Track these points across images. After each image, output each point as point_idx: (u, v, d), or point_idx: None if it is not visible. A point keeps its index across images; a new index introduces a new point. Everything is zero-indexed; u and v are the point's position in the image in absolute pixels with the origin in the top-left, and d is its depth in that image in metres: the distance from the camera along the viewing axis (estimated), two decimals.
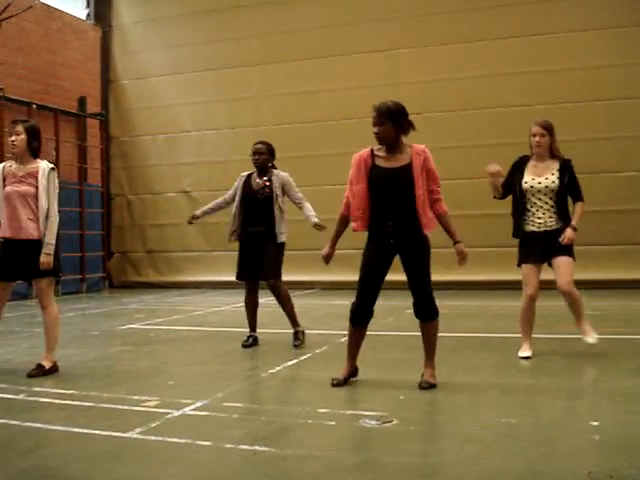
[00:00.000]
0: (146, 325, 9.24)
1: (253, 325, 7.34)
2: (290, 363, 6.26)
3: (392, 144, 5.15)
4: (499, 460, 3.52)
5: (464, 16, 13.85)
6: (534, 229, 6.20)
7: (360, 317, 5.25)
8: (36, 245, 5.86)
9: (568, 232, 6.03)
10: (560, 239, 6.03)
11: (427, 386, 5.11)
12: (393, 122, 5.10)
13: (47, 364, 5.91)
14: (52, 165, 6.11)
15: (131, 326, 9.15)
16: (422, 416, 4.38)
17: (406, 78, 14.00)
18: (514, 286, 11.48)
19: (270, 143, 7.37)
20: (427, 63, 14.00)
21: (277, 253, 7.17)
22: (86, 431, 4.14)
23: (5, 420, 4.43)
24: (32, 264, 5.84)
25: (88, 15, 16.55)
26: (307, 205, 7.26)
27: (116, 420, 4.42)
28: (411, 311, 5.36)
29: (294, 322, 7.22)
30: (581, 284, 12.31)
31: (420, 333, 5.30)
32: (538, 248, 6.16)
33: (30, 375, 5.73)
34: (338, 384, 5.23)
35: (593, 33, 13.11)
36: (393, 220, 5.10)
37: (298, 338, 7.16)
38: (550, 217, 6.14)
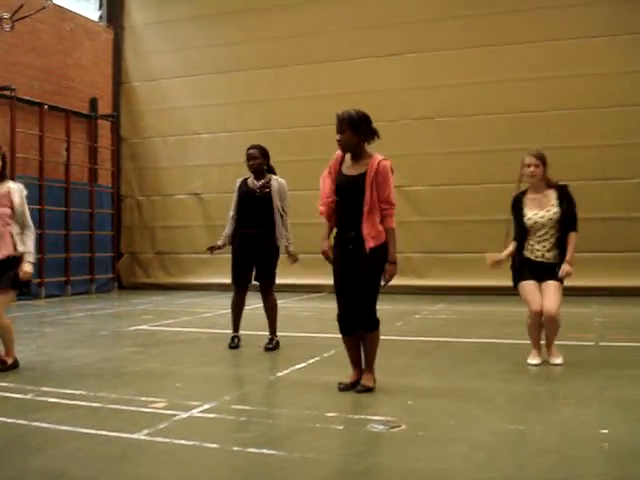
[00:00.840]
0: (155, 326, 9.25)
1: (238, 326, 7.43)
2: (298, 367, 6.25)
3: (354, 152, 5.21)
4: (508, 467, 3.51)
5: (478, 21, 13.81)
6: (531, 257, 6.23)
7: (345, 326, 5.29)
8: (10, 260, 6.02)
9: (566, 268, 6.06)
10: (559, 275, 6.07)
11: (363, 389, 5.16)
12: (353, 130, 5.13)
13: (9, 359, 6.11)
14: (21, 185, 6.24)
15: (140, 327, 9.16)
16: (430, 422, 4.37)
17: (419, 82, 14.01)
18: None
19: (263, 146, 7.34)
20: (441, 68, 13.96)
21: (275, 258, 7.23)
22: (94, 432, 4.14)
23: (14, 419, 4.44)
24: (2, 275, 6.00)
25: (100, 17, 16.61)
26: (287, 222, 7.23)
27: (124, 421, 4.43)
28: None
29: (274, 329, 7.31)
30: (590, 291, 12.32)
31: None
32: (533, 271, 6.20)
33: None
34: (345, 388, 5.24)
35: (604, 40, 13.05)
36: (352, 226, 5.14)
37: (271, 343, 7.25)
38: (549, 250, 6.16)
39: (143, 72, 16.52)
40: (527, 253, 6.25)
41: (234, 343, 7.33)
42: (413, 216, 13.76)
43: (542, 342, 6.29)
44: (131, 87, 16.70)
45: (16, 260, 6.04)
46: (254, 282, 7.30)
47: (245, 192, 7.23)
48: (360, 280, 5.14)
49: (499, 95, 13.52)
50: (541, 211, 6.16)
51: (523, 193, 6.32)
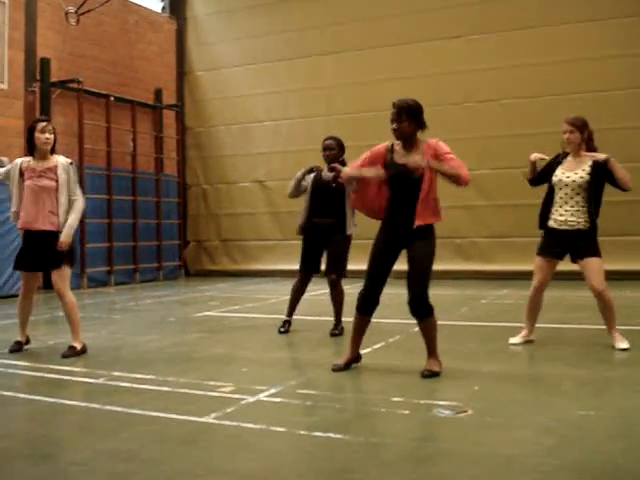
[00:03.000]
0: (221, 312, 9.37)
1: (293, 311, 7.49)
2: (363, 352, 6.23)
3: (409, 140, 5.19)
4: (577, 453, 3.45)
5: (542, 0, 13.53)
6: (555, 226, 6.16)
7: (366, 305, 5.36)
8: (54, 237, 6.12)
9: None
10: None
11: (429, 374, 5.14)
12: (411, 119, 5.13)
13: (78, 345, 6.22)
14: (70, 160, 6.34)
15: (207, 313, 9.29)
16: (497, 407, 4.32)
17: (481, 65, 13.78)
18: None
19: (339, 138, 7.35)
20: (504, 49, 13.68)
21: (346, 248, 7.23)
22: (163, 415, 4.23)
23: (86, 403, 4.56)
24: (49, 256, 6.11)
25: (163, 8, 16.83)
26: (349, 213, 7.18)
27: (192, 405, 4.50)
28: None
29: (340, 319, 7.31)
30: (616, 275, 11.93)
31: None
32: (556, 245, 6.13)
33: (64, 356, 6.06)
34: (338, 369, 5.37)
35: (629, 20, 12.65)
36: (404, 214, 5.12)
37: (336, 329, 7.26)
38: (572, 215, 6.05)
39: (206, 62, 16.67)
40: (551, 222, 6.19)
41: (284, 328, 7.40)
42: (478, 200, 13.58)
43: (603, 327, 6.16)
44: (195, 77, 16.88)
45: (57, 237, 6.14)
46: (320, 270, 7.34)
47: (318, 185, 7.25)
48: (417, 268, 5.14)
49: (565, 76, 13.19)
50: (568, 172, 6.09)
51: (565, 155, 6.26)
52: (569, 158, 6.21)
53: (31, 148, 6.28)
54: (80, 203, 6.25)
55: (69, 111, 13.50)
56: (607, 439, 3.68)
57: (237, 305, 10.24)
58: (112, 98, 14.34)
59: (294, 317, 7.55)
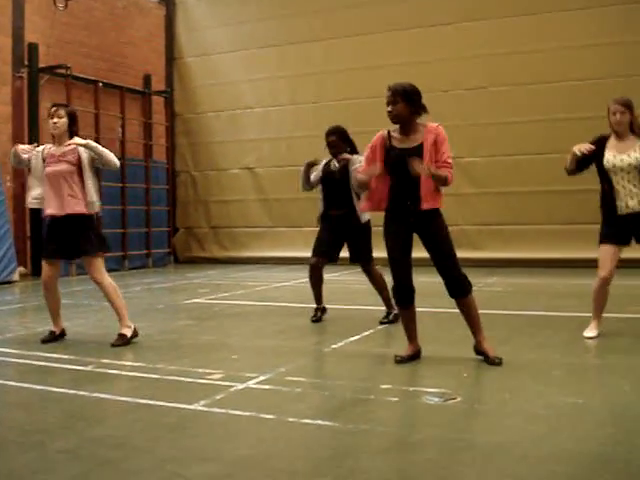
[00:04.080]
0: (210, 300, 9.36)
1: (320, 298, 7.36)
2: (353, 339, 6.27)
3: (405, 124, 5.14)
4: (566, 440, 3.46)
5: None
6: (618, 212, 5.95)
7: (403, 296, 5.25)
8: (79, 221, 6.06)
9: None
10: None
11: (499, 362, 5.07)
12: (406, 102, 5.07)
13: (127, 332, 6.16)
14: (86, 140, 6.23)
15: (196, 300, 9.28)
16: (486, 394, 4.34)
17: (471, 52, 13.75)
18: (579, 264, 11.30)
19: (340, 129, 7.23)
20: (494, 36, 13.63)
21: (366, 235, 7.13)
22: (152, 402, 4.22)
23: (74, 391, 4.54)
24: (77, 242, 6.06)
25: None
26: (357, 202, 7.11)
27: (181, 392, 4.50)
28: (475, 288, 5.30)
29: (387, 303, 7.12)
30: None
31: (459, 309, 5.23)
32: (620, 230, 5.96)
33: (114, 345, 6.00)
34: (401, 361, 5.21)
35: (620, 8, 12.67)
36: (411, 200, 5.08)
37: (387, 317, 7.10)
38: (632, 198, 5.89)
39: (195, 48, 16.59)
40: (612, 209, 5.98)
41: (316, 317, 7.29)
42: (468, 188, 13.59)
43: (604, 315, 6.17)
44: (184, 63, 16.79)
45: (88, 219, 6.10)
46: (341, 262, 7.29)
47: (326, 175, 7.21)
48: (441, 249, 5.11)
49: (555, 63, 13.17)
50: (620, 155, 5.94)
51: (607, 137, 6.09)
52: (613, 141, 6.03)
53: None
54: (113, 158, 6.13)
55: (57, 97, 13.36)
56: (596, 426, 3.70)
57: (226, 292, 10.23)
58: (101, 84, 14.26)
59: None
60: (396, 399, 4.24)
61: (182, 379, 4.82)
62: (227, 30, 16.12)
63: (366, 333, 6.54)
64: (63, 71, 13.40)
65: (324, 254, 7.24)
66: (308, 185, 7.34)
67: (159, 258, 15.90)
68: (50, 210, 6.11)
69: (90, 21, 14.38)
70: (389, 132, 5.24)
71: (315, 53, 15.23)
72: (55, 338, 6.28)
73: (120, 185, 14.67)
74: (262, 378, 4.79)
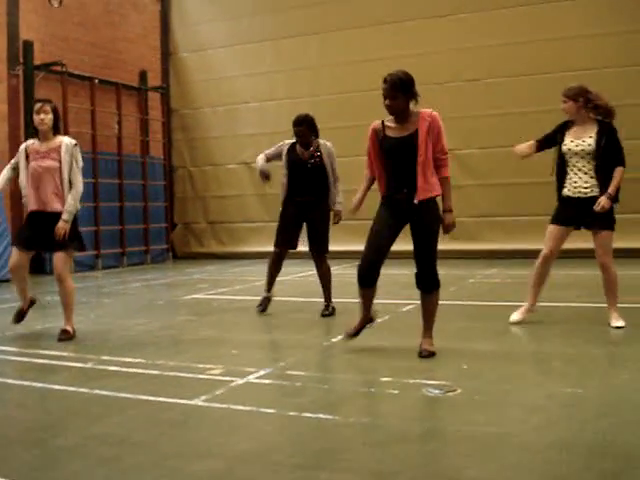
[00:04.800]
0: (209, 295, 9.36)
1: (272, 286, 7.50)
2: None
3: (402, 114, 5.17)
4: (565, 430, 3.48)
5: None
6: (569, 194, 6.14)
7: (366, 276, 5.31)
8: (57, 219, 6.09)
9: (602, 200, 5.89)
10: (594, 207, 5.91)
11: (427, 354, 5.12)
12: (405, 93, 5.09)
13: (70, 329, 6.22)
14: (74, 141, 6.33)
15: (195, 296, 9.28)
16: (486, 385, 4.34)
17: (467, 44, 13.72)
18: (577, 255, 11.30)
19: (309, 117, 7.22)
20: (489, 28, 13.59)
21: (327, 224, 7.26)
22: (153, 398, 4.23)
23: (75, 388, 4.54)
24: (53, 237, 6.08)
25: None
26: (338, 186, 7.23)
27: (182, 388, 4.50)
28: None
29: (330, 296, 7.30)
30: (631, 253, 11.86)
31: (421, 302, 5.26)
32: (570, 213, 6.12)
33: (60, 340, 6.07)
34: (350, 336, 5.47)
35: None
36: (406, 187, 5.10)
37: (327, 310, 7.26)
38: (586, 182, 6.04)
39: (191, 43, 16.55)
40: (565, 191, 6.18)
41: (263, 306, 7.41)
42: (465, 180, 13.57)
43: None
44: (180, 58, 16.75)
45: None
46: (302, 249, 7.34)
47: (295, 162, 7.22)
48: (425, 241, 5.13)
49: (551, 54, 13.13)
50: (576, 140, 6.09)
51: (571, 123, 6.23)
52: (574, 127, 6.18)
53: (35, 130, 6.27)
54: (78, 188, 6.18)
55: (53, 94, 13.31)
56: (595, 416, 3.71)
57: (225, 287, 10.24)
58: (96, 81, 14.22)
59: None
60: (396, 392, 4.25)
61: (182, 375, 4.82)
62: (222, 25, 16.08)
63: (366, 326, 6.53)
64: (58, 68, 13.36)
65: (288, 243, 7.35)
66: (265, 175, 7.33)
67: (157, 254, 15.89)
68: (33, 207, 6.18)
69: (85, 18, 14.35)
70: (383, 122, 5.26)
71: (311, 47, 15.19)
72: (25, 313, 6.48)
73: (117, 182, 14.66)
74: (262, 372, 4.80)
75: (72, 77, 13.66)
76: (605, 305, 6.23)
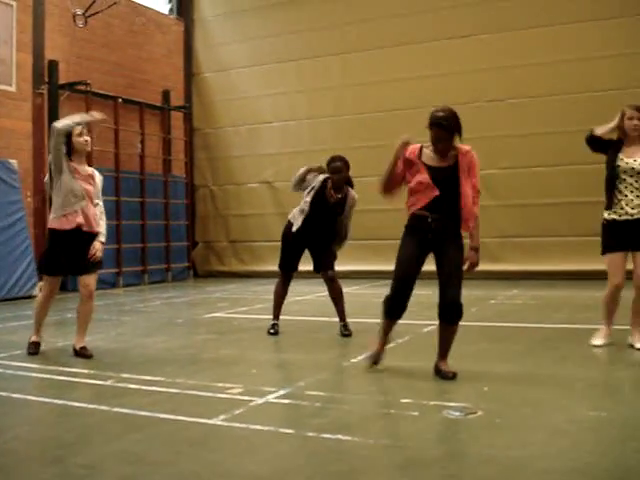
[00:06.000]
0: (230, 314, 9.37)
1: (278, 313, 7.53)
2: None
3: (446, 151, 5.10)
4: (588, 454, 3.42)
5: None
6: (615, 217, 6.00)
7: (395, 310, 5.25)
8: (93, 239, 6.21)
9: None
10: None
11: (452, 375, 5.07)
12: (454, 134, 5.04)
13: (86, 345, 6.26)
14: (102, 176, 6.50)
15: (215, 315, 9.28)
16: (507, 408, 4.29)
17: (490, 64, 13.73)
18: (601, 276, 11.20)
19: (345, 158, 7.22)
20: (513, 48, 13.60)
21: (333, 246, 7.30)
22: (172, 417, 4.22)
23: (94, 405, 4.55)
24: (86, 258, 6.14)
25: (171, 10, 16.84)
26: (343, 237, 7.28)
27: (201, 407, 4.49)
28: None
29: (344, 314, 7.30)
30: None
31: (440, 330, 5.21)
32: (621, 236, 5.98)
33: (87, 356, 6.12)
34: (372, 364, 5.42)
35: (636, 19, 12.62)
36: (434, 217, 5.04)
37: (347, 329, 7.25)
38: (634, 202, 5.91)
39: (214, 63, 16.69)
40: (612, 214, 6.03)
41: (274, 330, 7.41)
42: (488, 200, 13.42)
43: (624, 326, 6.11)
44: (202, 78, 16.89)
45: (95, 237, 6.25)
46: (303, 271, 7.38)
47: (320, 199, 7.17)
48: (452, 272, 5.06)
49: (573, 74, 13.11)
50: (629, 158, 5.96)
51: (620, 141, 6.10)
52: (626, 146, 6.05)
53: (69, 151, 6.12)
54: (104, 213, 6.38)
55: (77, 113, 13.50)
56: (619, 440, 3.65)
57: (245, 306, 10.24)
58: (120, 100, 14.37)
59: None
60: (416, 413, 4.21)
61: (202, 393, 4.81)
62: (245, 45, 16.21)
63: (386, 347, 6.49)
64: (83, 87, 13.51)
65: (294, 269, 7.48)
66: (299, 188, 7.34)
67: (178, 272, 15.95)
68: (73, 224, 6.10)
69: (109, 38, 14.52)
70: (422, 147, 5.18)
71: (333, 67, 15.27)
72: (39, 349, 6.40)
73: (140, 200, 14.76)
74: (282, 392, 4.78)
75: (96, 96, 13.79)
76: (627, 327, 6.16)
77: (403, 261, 5.18)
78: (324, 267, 7.27)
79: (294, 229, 7.28)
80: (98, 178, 6.35)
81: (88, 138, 6.22)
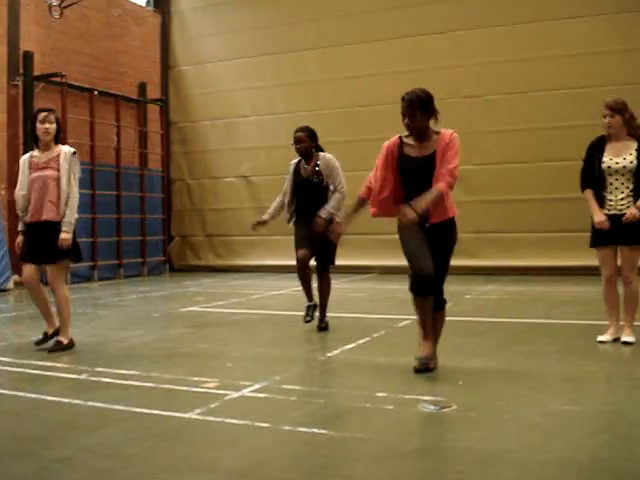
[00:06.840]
0: (206, 308, 9.34)
1: (311, 294, 7.32)
2: (348, 347, 6.25)
3: (422, 133, 5.07)
4: (561, 447, 3.46)
5: None
6: (605, 212, 6.04)
7: (423, 285, 5.00)
8: (54, 228, 6.07)
9: (632, 211, 5.85)
10: (623, 219, 5.88)
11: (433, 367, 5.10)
12: (424, 111, 4.99)
13: (64, 340, 6.20)
14: (73, 150, 6.29)
15: (191, 309, 9.25)
16: (482, 402, 4.32)
17: (466, 60, 13.79)
18: (576, 272, 11.30)
19: (310, 128, 7.22)
20: (489, 45, 13.69)
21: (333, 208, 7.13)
22: (147, 411, 4.20)
23: (69, 399, 4.52)
24: (50, 246, 6.05)
25: (147, 2, 16.72)
26: (335, 196, 7.05)
27: (176, 401, 4.48)
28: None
29: (325, 310, 7.25)
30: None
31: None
32: (609, 230, 6.01)
33: (50, 351, 6.04)
34: (425, 365, 5.08)
35: (620, 16, 12.72)
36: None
37: (323, 323, 7.21)
38: (622, 199, 5.97)
39: (191, 56, 16.61)
40: (602, 210, 6.06)
41: (310, 316, 7.25)
42: (463, 196, 13.50)
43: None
44: (179, 71, 16.81)
45: (58, 228, 6.10)
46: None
47: (299, 182, 7.17)
48: (440, 261, 5.05)
49: (551, 71, 13.20)
50: (616, 157, 6.00)
51: (604, 139, 6.14)
52: (610, 143, 6.08)
53: (35, 139, 6.22)
54: (73, 200, 6.15)
55: (52, 105, 13.29)
56: (591, 434, 3.69)
57: (222, 301, 10.21)
58: (96, 92, 14.26)
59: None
60: (392, 407, 4.23)
61: (177, 387, 4.80)
62: (222, 39, 16.14)
63: (361, 341, 6.52)
64: (58, 79, 13.39)
65: (308, 247, 7.12)
66: (288, 209, 7.29)
67: (154, 266, 15.88)
68: (32, 217, 6.14)
69: (85, 30, 14.39)
70: (401, 139, 5.15)
71: (310, 62, 15.25)
72: (48, 338, 6.29)
73: (115, 194, 14.66)
74: (257, 386, 4.77)
75: (72, 88, 13.67)
76: (603, 322, 6.22)
77: (410, 240, 5.06)
78: (324, 261, 7.20)
79: (289, 222, 7.28)
80: (64, 157, 6.12)
81: (49, 126, 6.13)
